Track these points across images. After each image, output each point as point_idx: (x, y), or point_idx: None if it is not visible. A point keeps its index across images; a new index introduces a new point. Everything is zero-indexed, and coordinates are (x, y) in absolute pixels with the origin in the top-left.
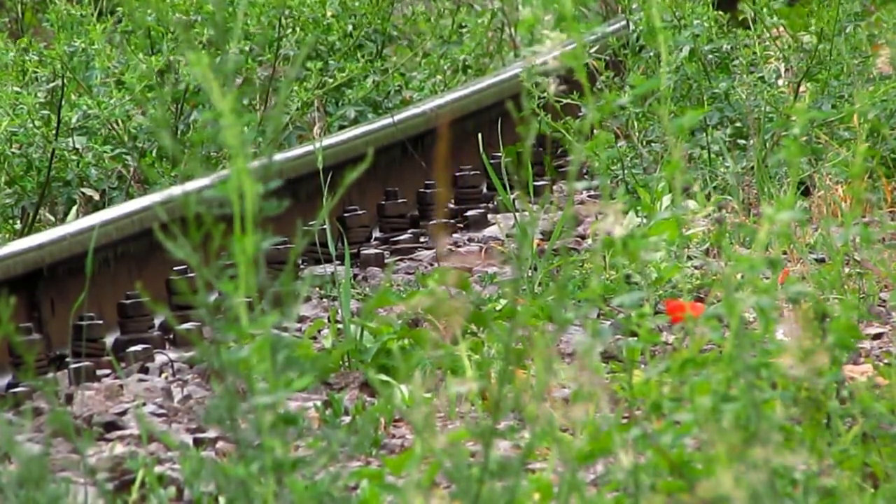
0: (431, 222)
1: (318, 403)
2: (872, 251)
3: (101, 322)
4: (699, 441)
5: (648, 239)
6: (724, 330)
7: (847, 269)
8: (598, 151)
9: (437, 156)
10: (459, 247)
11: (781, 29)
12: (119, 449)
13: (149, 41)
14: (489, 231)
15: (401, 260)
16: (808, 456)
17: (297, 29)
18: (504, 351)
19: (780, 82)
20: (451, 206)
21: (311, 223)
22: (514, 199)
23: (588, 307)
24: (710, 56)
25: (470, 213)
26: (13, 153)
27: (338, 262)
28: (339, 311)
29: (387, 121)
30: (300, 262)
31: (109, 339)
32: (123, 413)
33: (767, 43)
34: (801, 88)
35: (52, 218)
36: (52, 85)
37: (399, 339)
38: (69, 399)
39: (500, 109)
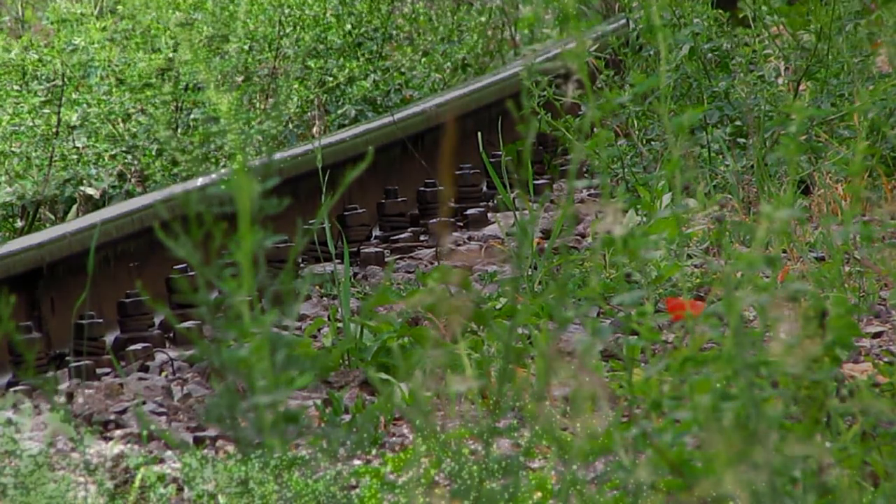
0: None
1: (318, 402)
2: (872, 249)
3: (101, 321)
4: (699, 439)
5: (648, 237)
6: (724, 328)
7: (847, 268)
8: (598, 150)
9: (443, 152)
10: (459, 245)
11: (781, 27)
12: (119, 447)
13: (149, 40)
14: (489, 229)
15: (400, 258)
16: (809, 450)
17: (298, 28)
18: (504, 349)
19: (780, 81)
20: (451, 204)
21: (311, 222)
22: (514, 198)
23: (588, 306)
24: (710, 54)
25: (470, 211)
26: (13, 151)
27: (338, 261)
28: (339, 309)
29: (387, 119)
30: (300, 260)
31: (109, 338)
32: (123, 411)
33: (767, 41)
34: (801, 87)
35: (52, 216)
36: (52, 83)
37: (399, 338)
38: (69, 397)
39: (500, 108)
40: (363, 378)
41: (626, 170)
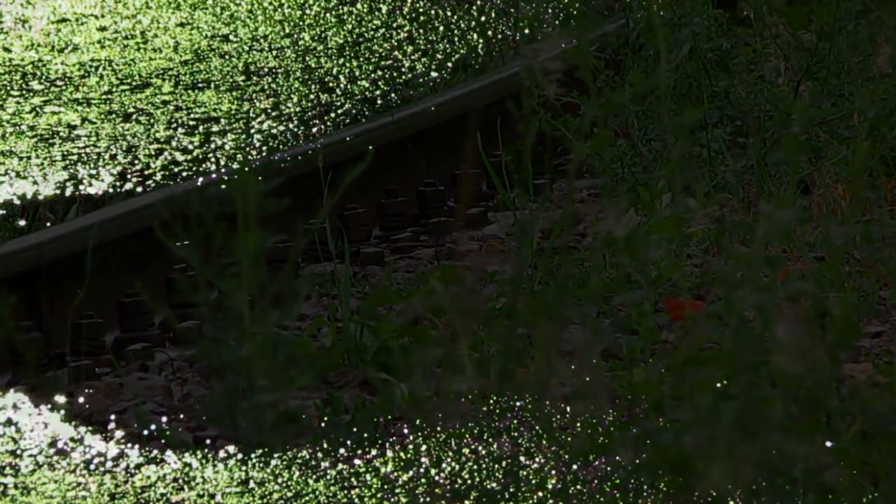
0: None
1: (318, 402)
2: (872, 249)
3: (100, 320)
4: (699, 439)
5: (649, 237)
6: (724, 328)
7: (847, 268)
8: (598, 150)
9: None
10: (459, 245)
11: (781, 27)
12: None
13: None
14: (489, 229)
15: (400, 258)
16: (809, 450)
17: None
18: (504, 349)
19: (780, 80)
20: (450, 204)
21: (311, 221)
22: (514, 198)
23: (588, 305)
24: (710, 54)
25: (469, 211)
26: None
27: (338, 261)
28: (339, 309)
29: (387, 119)
30: (300, 260)
31: (109, 338)
32: (123, 411)
33: (767, 41)
34: (801, 87)
35: (53, 216)
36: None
37: (399, 338)
38: (69, 397)
39: (500, 108)
40: (363, 378)
41: (626, 170)
